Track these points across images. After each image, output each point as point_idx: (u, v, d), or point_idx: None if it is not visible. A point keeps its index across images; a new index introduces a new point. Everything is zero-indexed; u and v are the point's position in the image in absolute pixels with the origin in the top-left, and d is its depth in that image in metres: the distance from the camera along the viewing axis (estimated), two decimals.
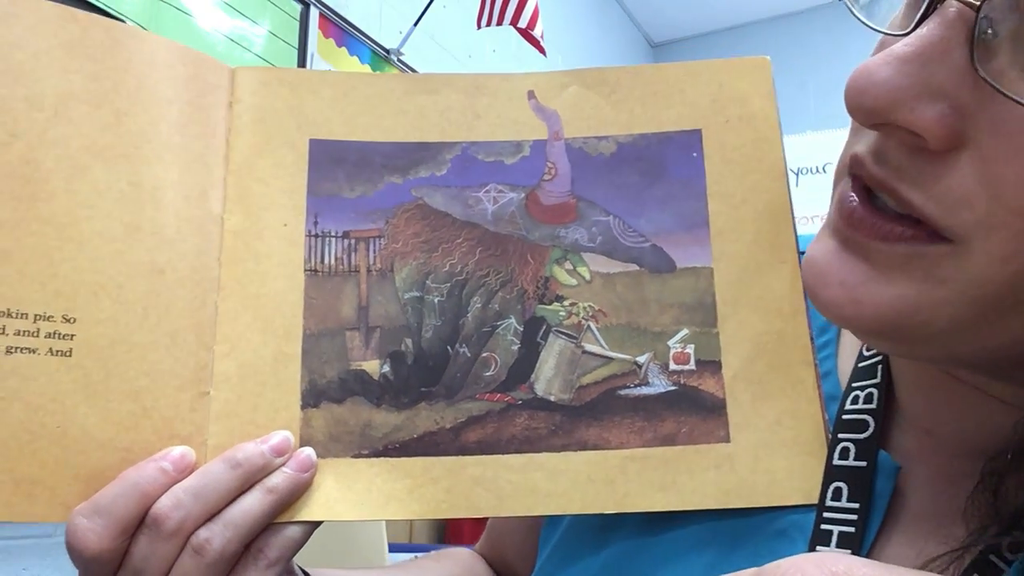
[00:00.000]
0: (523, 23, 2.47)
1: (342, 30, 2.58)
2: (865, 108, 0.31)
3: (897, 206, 0.32)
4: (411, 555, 1.86)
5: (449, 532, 2.48)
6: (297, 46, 2.39)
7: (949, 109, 0.30)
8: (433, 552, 0.66)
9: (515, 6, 2.47)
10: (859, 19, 0.34)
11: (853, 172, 0.35)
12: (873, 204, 0.34)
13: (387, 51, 2.73)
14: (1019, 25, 0.28)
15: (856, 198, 0.34)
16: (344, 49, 2.58)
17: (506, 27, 2.51)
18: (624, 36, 4.61)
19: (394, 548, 1.68)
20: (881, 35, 0.33)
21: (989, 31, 0.28)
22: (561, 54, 3.69)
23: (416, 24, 2.65)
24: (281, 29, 2.35)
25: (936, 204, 0.31)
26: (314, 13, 2.47)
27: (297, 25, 2.41)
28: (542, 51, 2.56)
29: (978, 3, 0.28)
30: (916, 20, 0.30)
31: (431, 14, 2.64)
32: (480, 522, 0.64)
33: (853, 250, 0.34)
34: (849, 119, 0.35)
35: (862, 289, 0.33)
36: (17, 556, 1.49)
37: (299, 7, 2.42)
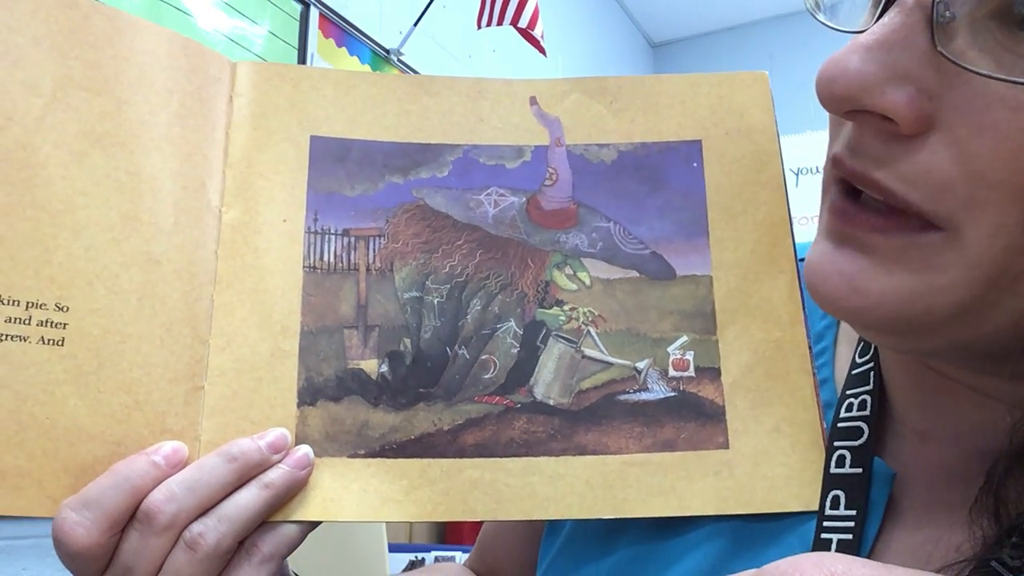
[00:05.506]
0: (523, 23, 2.46)
1: (342, 30, 2.57)
2: (836, 96, 0.32)
3: (880, 197, 0.33)
4: (410, 555, 1.86)
5: (448, 532, 2.47)
6: (297, 46, 2.38)
7: (917, 91, 0.31)
8: (423, 567, 0.65)
9: (515, 6, 2.46)
10: (825, 23, 0.35)
11: (836, 176, 0.36)
12: (861, 203, 0.34)
13: (387, 51, 2.72)
14: (974, 7, 0.30)
15: (844, 199, 0.35)
16: (344, 49, 2.57)
17: (506, 27, 2.51)
18: (624, 36, 4.61)
19: (394, 548, 1.67)
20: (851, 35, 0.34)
21: (947, 14, 0.30)
22: (561, 54, 3.68)
23: (416, 24, 2.64)
24: (281, 29, 2.34)
25: (917, 191, 0.31)
26: (314, 13, 2.45)
27: (297, 25, 2.40)
28: (542, 51, 2.55)
29: None
30: (878, 14, 0.32)
31: (431, 14, 2.63)
32: (480, 523, 0.63)
33: (849, 245, 0.35)
34: None
35: (862, 278, 0.34)
36: (17, 556, 1.47)
37: (299, 7, 2.41)
